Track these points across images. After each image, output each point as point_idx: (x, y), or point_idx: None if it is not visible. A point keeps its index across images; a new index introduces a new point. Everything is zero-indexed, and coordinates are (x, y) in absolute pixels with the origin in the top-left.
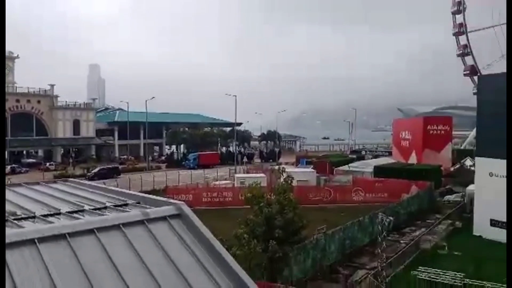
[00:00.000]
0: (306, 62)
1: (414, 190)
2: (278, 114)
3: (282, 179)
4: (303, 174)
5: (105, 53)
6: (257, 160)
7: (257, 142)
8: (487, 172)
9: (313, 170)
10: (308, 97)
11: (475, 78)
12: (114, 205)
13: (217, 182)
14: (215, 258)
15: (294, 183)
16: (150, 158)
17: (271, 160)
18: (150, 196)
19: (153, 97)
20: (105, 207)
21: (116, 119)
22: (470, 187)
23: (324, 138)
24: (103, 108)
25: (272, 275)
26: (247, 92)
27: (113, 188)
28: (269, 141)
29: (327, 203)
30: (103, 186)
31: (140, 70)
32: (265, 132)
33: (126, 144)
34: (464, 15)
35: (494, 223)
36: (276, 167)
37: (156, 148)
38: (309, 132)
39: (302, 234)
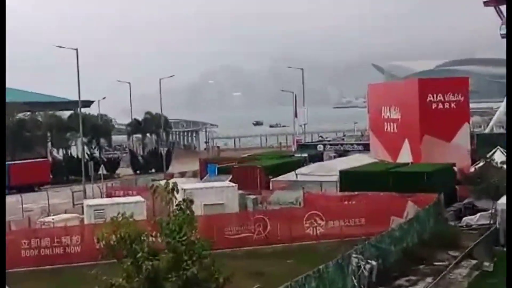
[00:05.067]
0: None
1: (411, 209)
2: (164, 82)
3: (174, 205)
4: (215, 193)
5: None
6: (126, 170)
7: (124, 137)
8: None
9: (232, 184)
10: (217, 49)
11: (503, 9)
12: None
13: (49, 219)
14: None
15: (198, 210)
16: None
17: (153, 170)
18: None
19: None
20: None
21: None
22: (504, 200)
23: (255, 123)
24: None
25: None
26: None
27: None
28: (147, 134)
29: (261, 243)
30: None
31: None
32: (140, 118)
33: None
34: None
35: None
36: (163, 182)
37: None
38: (223, 113)
39: None
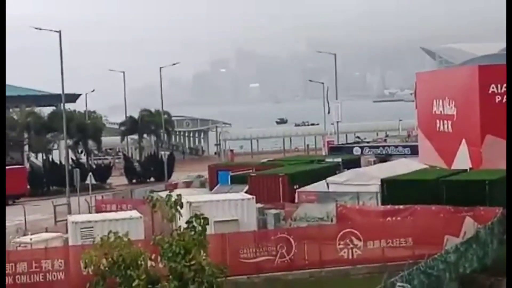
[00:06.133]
0: None
1: (469, 227)
2: (166, 72)
3: (179, 221)
4: (227, 207)
5: None
6: (119, 179)
7: (117, 139)
8: None
9: (248, 196)
10: (230, 31)
11: None
12: None
13: (26, 239)
14: None
15: (209, 229)
16: None
17: (152, 179)
18: None
19: None
20: None
21: None
22: None
23: (279, 121)
24: None
25: None
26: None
27: None
28: (145, 135)
29: (284, 269)
30: None
31: None
32: (136, 116)
33: None
34: None
35: None
36: (164, 194)
37: None
38: (238, 109)
39: None
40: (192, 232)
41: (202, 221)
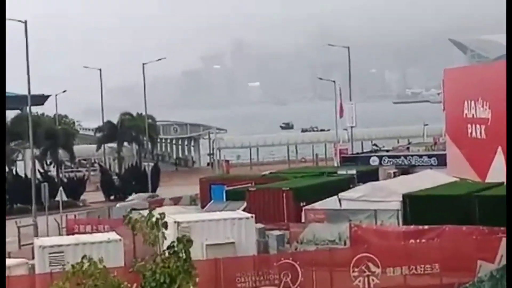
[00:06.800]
0: None
1: (506, 250)
2: (150, 69)
3: (162, 244)
4: (222, 228)
5: None
6: (95, 195)
7: (93, 147)
8: None
9: (247, 214)
10: (226, 21)
11: None
12: None
13: None
14: None
15: (199, 252)
16: None
17: (133, 194)
18: None
19: None
20: None
21: None
22: None
23: (283, 126)
24: None
25: None
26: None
27: None
28: (125, 143)
29: None
30: None
31: None
32: (115, 121)
33: None
34: None
35: None
36: (144, 213)
37: None
38: (235, 112)
39: None
40: (175, 258)
41: (184, 245)
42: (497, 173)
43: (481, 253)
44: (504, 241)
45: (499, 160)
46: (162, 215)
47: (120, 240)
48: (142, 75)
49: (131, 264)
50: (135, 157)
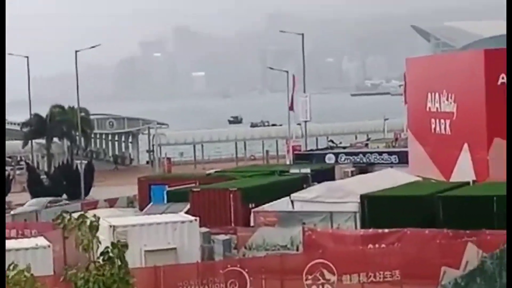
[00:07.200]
0: None
1: (472, 256)
2: (83, 56)
3: (96, 251)
4: (163, 232)
5: None
6: (21, 196)
7: (19, 143)
8: None
9: (190, 217)
10: (169, 4)
11: None
12: None
13: None
14: None
15: (137, 259)
16: None
17: (64, 196)
18: None
19: None
20: None
21: None
22: None
23: (232, 120)
24: None
25: None
26: None
27: None
28: (55, 139)
29: None
30: None
31: None
32: (44, 114)
33: None
34: None
35: None
36: (75, 215)
37: None
38: (177, 105)
39: None
40: (111, 265)
41: (119, 250)
42: (462, 172)
43: (445, 259)
44: (469, 245)
45: (465, 158)
46: (95, 217)
47: (49, 246)
48: (75, 63)
49: (61, 272)
50: (66, 154)
